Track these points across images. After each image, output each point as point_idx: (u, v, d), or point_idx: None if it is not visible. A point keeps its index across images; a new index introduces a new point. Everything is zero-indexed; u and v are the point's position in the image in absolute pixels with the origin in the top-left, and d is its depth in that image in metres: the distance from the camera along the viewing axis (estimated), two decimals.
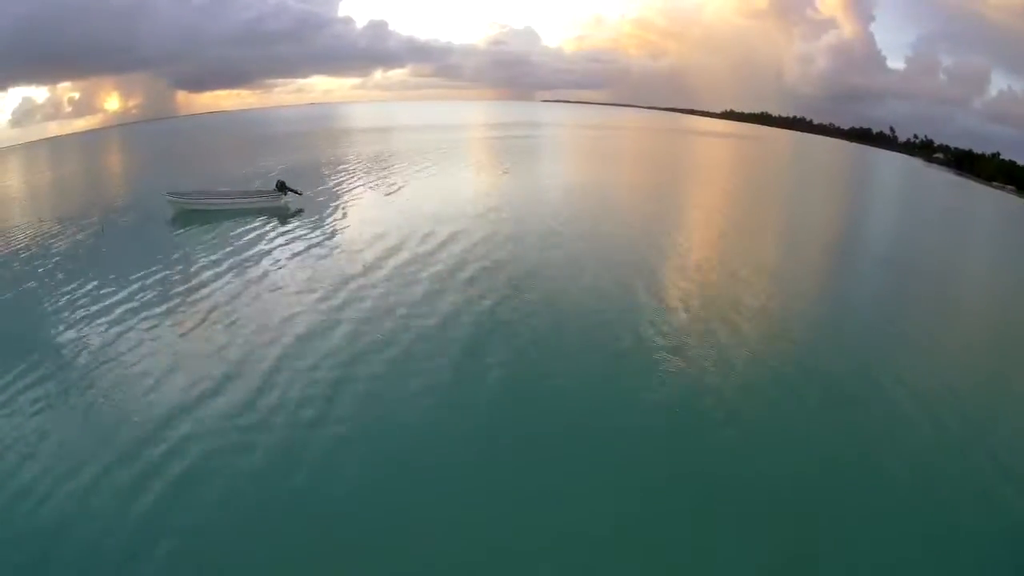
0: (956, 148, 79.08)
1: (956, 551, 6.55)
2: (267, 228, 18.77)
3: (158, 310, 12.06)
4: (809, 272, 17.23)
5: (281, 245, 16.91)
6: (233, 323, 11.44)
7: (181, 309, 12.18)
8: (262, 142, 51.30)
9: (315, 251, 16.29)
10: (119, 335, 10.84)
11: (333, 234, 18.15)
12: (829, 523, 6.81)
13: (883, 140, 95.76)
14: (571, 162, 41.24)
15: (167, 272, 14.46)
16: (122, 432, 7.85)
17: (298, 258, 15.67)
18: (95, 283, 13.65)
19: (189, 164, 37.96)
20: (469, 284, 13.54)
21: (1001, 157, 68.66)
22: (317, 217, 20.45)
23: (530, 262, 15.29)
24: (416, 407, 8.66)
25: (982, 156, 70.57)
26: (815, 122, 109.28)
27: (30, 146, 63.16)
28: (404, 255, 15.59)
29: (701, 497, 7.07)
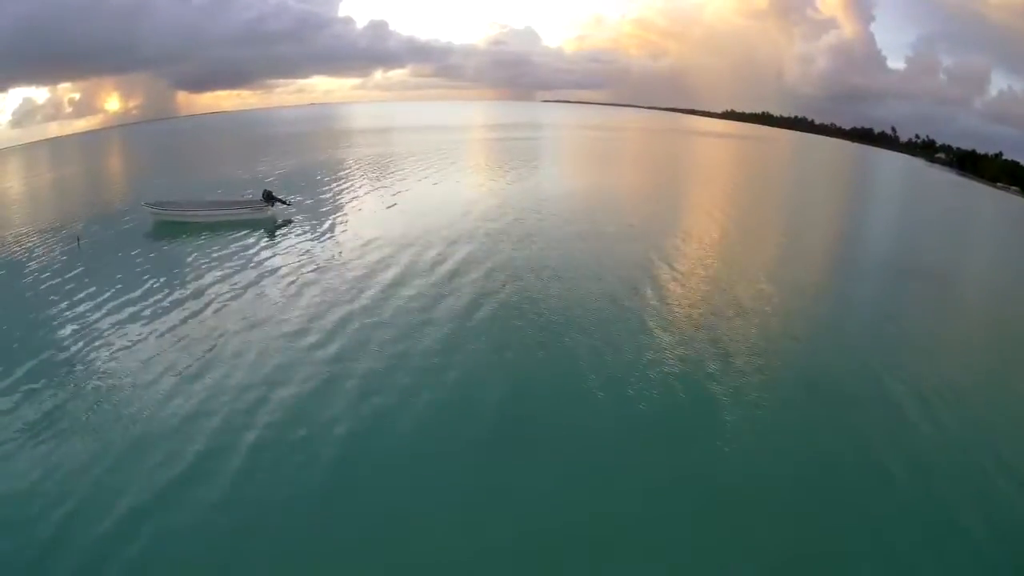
0: (958, 148, 78.90)
1: (957, 550, 6.53)
2: (251, 243, 17.10)
3: (125, 341, 10.63)
4: (812, 273, 17.12)
5: (265, 263, 15.29)
6: (208, 353, 10.19)
7: (151, 340, 10.73)
8: (260, 144, 51.11)
9: (304, 270, 14.65)
10: (82, 367, 9.70)
11: (323, 250, 16.56)
12: (830, 522, 6.79)
13: (885, 140, 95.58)
14: (573, 165, 40.93)
15: (137, 295, 12.83)
16: (81, 465, 7.29)
17: (284, 278, 14.08)
18: (64, 308, 12.21)
19: (185, 167, 37.65)
20: (468, 296, 12.92)
21: (1004, 157, 68.47)
22: (307, 230, 18.85)
23: (534, 266, 15.09)
24: (417, 410, 8.61)
25: (985, 156, 70.30)
26: (816, 122, 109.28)
27: (29, 147, 63.04)
28: (399, 272, 14.37)
29: (702, 498, 7.04)
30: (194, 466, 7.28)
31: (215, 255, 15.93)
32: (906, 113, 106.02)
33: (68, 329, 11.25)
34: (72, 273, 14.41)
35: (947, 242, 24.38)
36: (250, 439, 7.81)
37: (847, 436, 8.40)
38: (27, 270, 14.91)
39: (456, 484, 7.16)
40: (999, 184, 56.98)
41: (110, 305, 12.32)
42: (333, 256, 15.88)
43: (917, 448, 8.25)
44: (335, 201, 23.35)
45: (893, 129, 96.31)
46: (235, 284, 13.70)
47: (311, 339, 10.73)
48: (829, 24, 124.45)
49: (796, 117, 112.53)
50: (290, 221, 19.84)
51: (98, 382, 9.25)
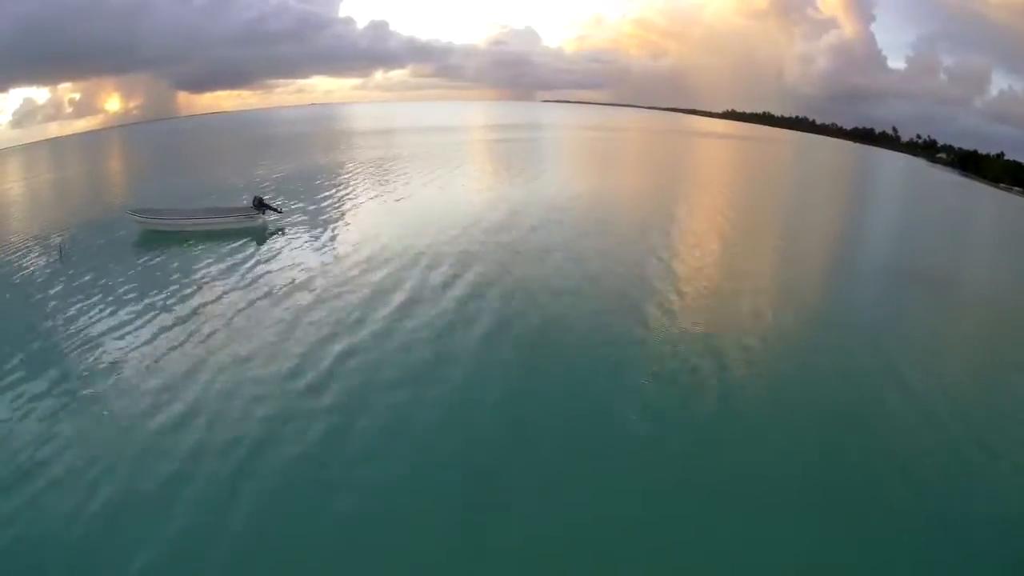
0: (959, 148, 78.80)
1: (955, 553, 6.59)
2: (241, 256, 16.06)
3: (98, 366, 9.84)
4: (817, 275, 17.16)
5: (255, 278, 14.28)
6: (187, 379, 9.42)
7: (125, 368, 9.79)
8: (260, 145, 50.88)
9: (295, 285, 13.67)
10: (54, 392, 9.03)
11: (317, 262, 15.46)
12: (830, 523, 6.85)
13: (886, 140, 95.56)
14: (578, 168, 40.53)
15: (112, 320, 11.78)
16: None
17: (273, 295, 13.05)
18: (40, 331, 11.29)
19: (181, 169, 37.22)
20: (471, 313, 12.30)
21: (1006, 158, 68.34)
22: (300, 239, 17.81)
23: (537, 270, 14.98)
24: (418, 413, 8.64)
25: (987, 157, 70.18)
26: (818, 122, 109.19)
27: (29, 147, 62.85)
28: (398, 289, 13.37)
29: (702, 499, 7.09)
30: (181, 493, 7.04)
31: (201, 270, 14.76)
32: (907, 113, 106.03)
33: (38, 350, 10.38)
34: (54, 290, 13.43)
35: (952, 243, 24.32)
36: (243, 460, 7.61)
37: (848, 436, 8.46)
38: (3, 285, 13.95)
39: (459, 487, 7.20)
40: (1002, 185, 56.79)
41: (85, 333, 11.15)
42: (326, 270, 14.73)
43: (918, 449, 8.29)
44: (331, 209, 22.25)
45: (894, 129, 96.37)
46: (220, 303, 12.57)
47: (299, 366, 9.80)
48: (829, 24, 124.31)
49: (797, 117, 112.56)
50: (282, 230, 18.78)
51: (68, 408, 8.55)
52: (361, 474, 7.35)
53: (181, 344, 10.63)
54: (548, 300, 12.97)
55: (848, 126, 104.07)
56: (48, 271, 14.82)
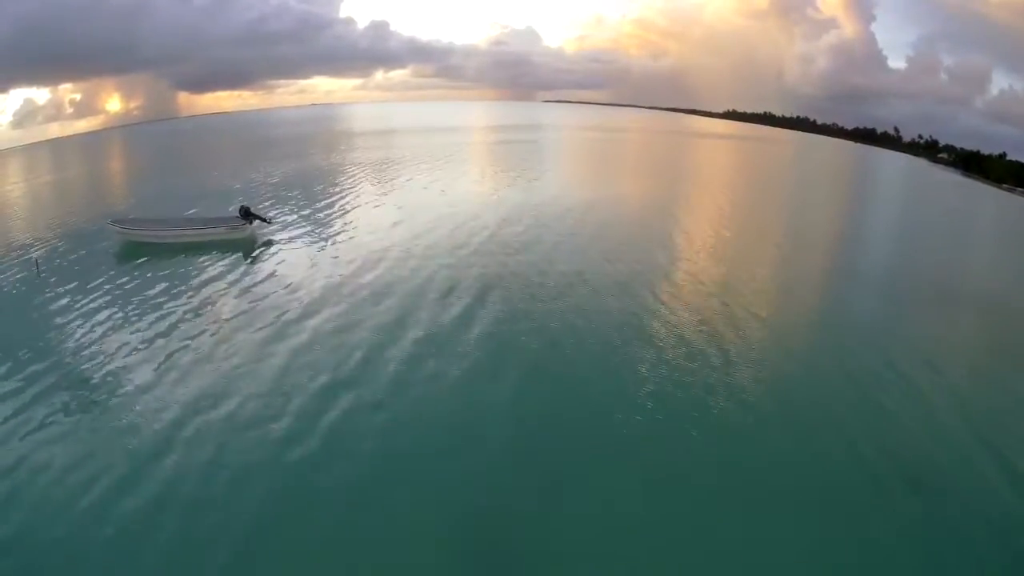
0: (961, 148, 78.63)
1: (958, 550, 6.57)
2: (224, 270, 14.89)
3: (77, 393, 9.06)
4: (821, 277, 17.00)
5: (240, 293, 13.28)
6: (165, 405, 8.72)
7: (101, 392, 9.08)
8: (259, 146, 50.72)
9: (283, 304, 12.48)
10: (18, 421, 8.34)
11: (307, 277, 14.25)
12: (829, 524, 6.84)
13: (887, 140, 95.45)
14: (581, 170, 40.20)
15: (91, 336, 11.05)
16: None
17: (259, 313, 12.05)
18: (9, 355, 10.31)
19: (178, 171, 36.90)
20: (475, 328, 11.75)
21: (1008, 158, 68.17)
22: (290, 251, 16.52)
23: (542, 270, 14.86)
24: (419, 414, 8.61)
25: (989, 157, 70.00)
26: (819, 122, 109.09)
27: (29, 148, 62.84)
28: (394, 307, 12.38)
29: (702, 500, 7.09)
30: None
31: (180, 289, 13.56)
32: (907, 113, 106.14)
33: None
34: (24, 308, 12.48)
35: (957, 245, 24.12)
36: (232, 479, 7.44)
37: (848, 436, 8.46)
38: None
39: (459, 484, 7.20)
40: (1005, 186, 56.59)
41: (50, 357, 10.19)
42: (315, 289, 13.47)
43: (918, 449, 8.30)
44: (325, 217, 20.84)
45: (896, 129, 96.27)
46: (198, 325, 11.48)
47: (282, 394, 8.97)
48: (830, 24, 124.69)
49: (798, 117, 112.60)
50: (271, 241, 17.54)
51: (32, 435, 7.96)
52: (361, 473, 7.34)
53: (154, 370, 9.72)
54: (549, 303, 12.90)
55: (849, 126, 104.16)
56: (23, 287, 13.83)
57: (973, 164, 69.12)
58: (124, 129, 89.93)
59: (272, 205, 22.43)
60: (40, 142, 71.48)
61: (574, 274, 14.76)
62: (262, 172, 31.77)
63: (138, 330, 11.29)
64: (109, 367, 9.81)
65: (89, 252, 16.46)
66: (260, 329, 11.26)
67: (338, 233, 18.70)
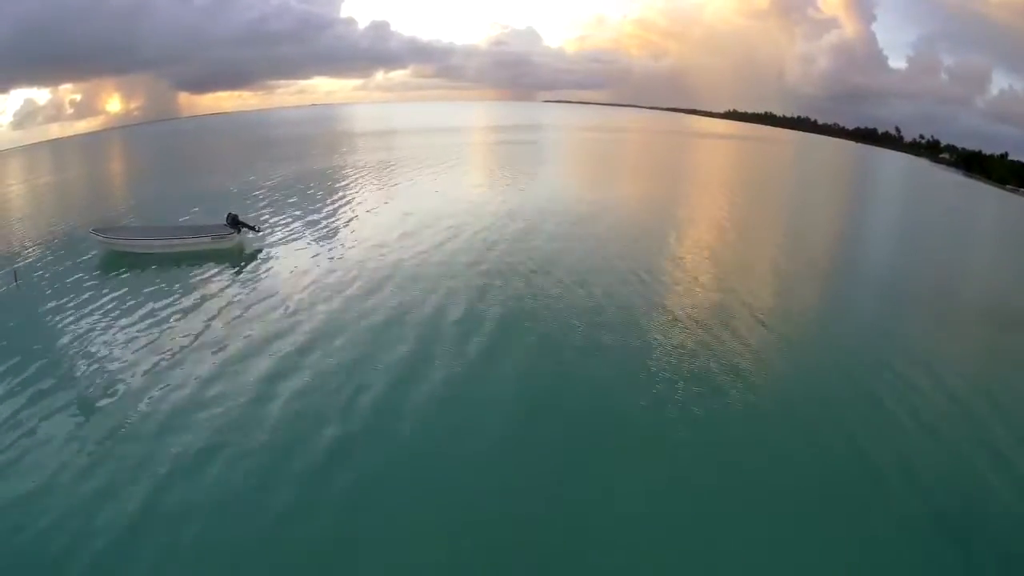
0: (963, 148, 78.37)
1: (958, 550, 6.55)
2: (210, 281, 14.30)
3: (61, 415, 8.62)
4: (821, 275, 17.05)
5: (226, 306, 12.66)
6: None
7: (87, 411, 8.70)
8: (259, 146, 50.63)
9: (271, 321, 11.85)
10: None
11: (294, 288, 13.64)
12: (829, 525, 6.85)
13: (888, 140, 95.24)
14: (584, 172, 39.87)
15: (70, 351, 10.59)
16: None
17: (245, 330, 11.38)
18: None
19: (176, 172, 36.66)
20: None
21: (1009, 158, 67.93)
22: (280, 262, 15.78)
23: (545, 268, 14.86)
24: (419, 415, 8.61)
25: (991, 157, 69.74)
26: (819, 122, 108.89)
27: (29, 149, 62.69)
28: (390, 312, 12.13)
29: (702, 500, 7.09)
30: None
31: (162, 303, 12.84)
32: (908, 113, 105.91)
33: None
34: (2, 319, 12.08)
35: (961, 246, 24.04)
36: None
37: (849, 436, 8.46)
38: None
39: (459, 484, 7.22)
40: (1008, 186, 56.33)
41: (24, 375, 9.68)
42: (305, 300, 12.92)
43: (919, 449, 8.30)
44: (321, 224, 20.22)
45: (897, 129, 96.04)
46: (179, 343, 10.84)
47: (268, 416, 8.54)
48: (830, 24, 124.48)
49: (799, 117, 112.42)
50: (260, 251, 16.85)
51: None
52: (361, 474, 7.34)
53: (125, 387, 9.32)
54: (550, 303, 12.91)
55: (850, 126, 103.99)
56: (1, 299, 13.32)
57: (975, 164, 68.89)
58: (124, 130, 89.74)
59: (265, 210, 22.02)
60: (40, 143, 71.36)
61: (574, 275, 14.74)
62: (260, 174, 31.36)
63: (112, 346, 10.76)
64: (82, 385, 9.37)
65: (72, 262, 15.80)
66: (242, 343, 10.78)
67: (331, 242, 17.88)
